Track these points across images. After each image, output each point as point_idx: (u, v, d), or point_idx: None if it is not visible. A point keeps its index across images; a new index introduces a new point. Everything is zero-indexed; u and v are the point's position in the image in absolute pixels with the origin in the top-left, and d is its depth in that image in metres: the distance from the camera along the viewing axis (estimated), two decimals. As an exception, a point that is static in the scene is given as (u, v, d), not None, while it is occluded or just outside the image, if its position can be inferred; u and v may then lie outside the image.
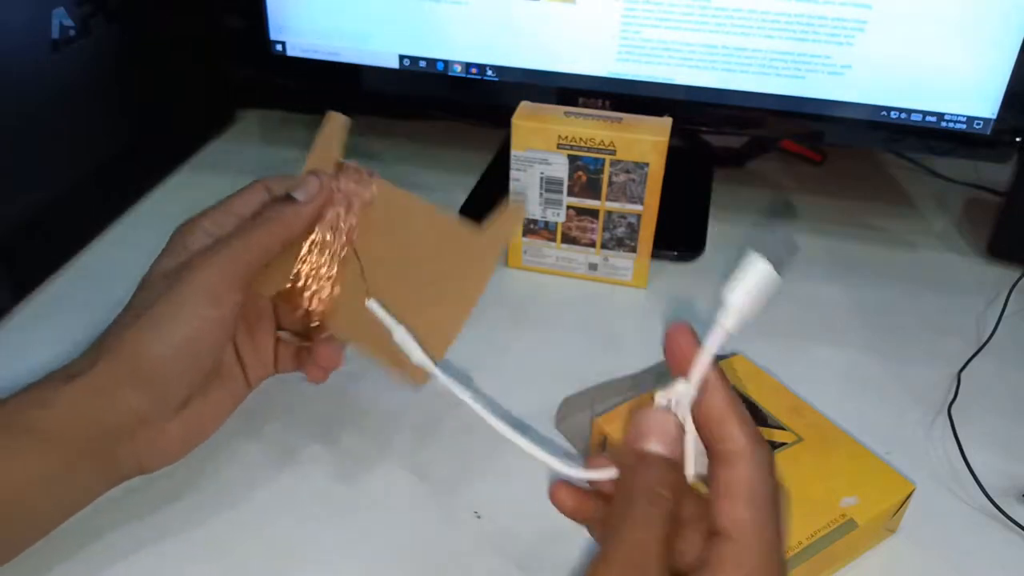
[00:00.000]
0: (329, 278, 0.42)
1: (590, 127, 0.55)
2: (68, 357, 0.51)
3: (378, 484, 0.44)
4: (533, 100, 0.58)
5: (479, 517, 0.42)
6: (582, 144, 0.55)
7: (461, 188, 0.71)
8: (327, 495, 0.44)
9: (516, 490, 0.44)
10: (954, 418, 0.49)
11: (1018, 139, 0.59)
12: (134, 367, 0.37)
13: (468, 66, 0.65)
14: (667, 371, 0.51)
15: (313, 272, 0.42)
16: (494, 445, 0.46)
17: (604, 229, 0.58)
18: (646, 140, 0.54)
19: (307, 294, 0.42)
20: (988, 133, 0.59)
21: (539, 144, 0.56)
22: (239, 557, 0.40)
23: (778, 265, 0.30)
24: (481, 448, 0.46)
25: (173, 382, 0.38)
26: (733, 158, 0.79)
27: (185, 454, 0.40)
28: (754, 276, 0.29)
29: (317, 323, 0.43)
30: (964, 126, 0.59)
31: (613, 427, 0.43)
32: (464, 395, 0.38)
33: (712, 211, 0.70)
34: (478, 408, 0.37)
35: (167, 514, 0.42)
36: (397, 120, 0.85)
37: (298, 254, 0.42)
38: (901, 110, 0.60)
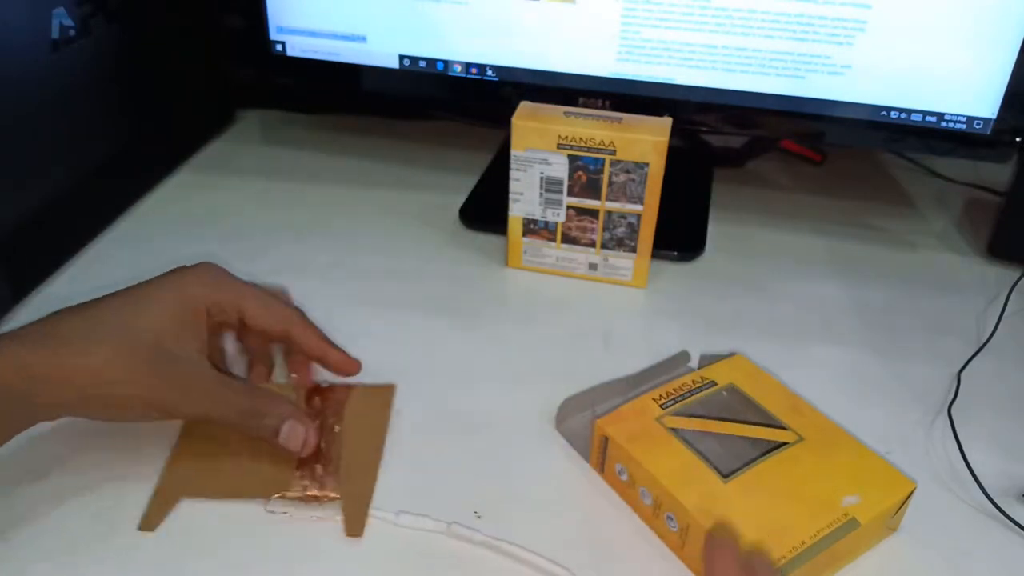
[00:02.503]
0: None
1: (590, 127, 0.55)
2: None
3: (378, 483, 0.44)
4: (533, 100, 0.58)
5: (479, 517, 0.42)
6: (582, 144, 0.55)
7: (461, 188, 0.71)
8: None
9: (516, 490, 0.44)
10: (954, 418, 0.49)
11: (1018, 139, 0.59)
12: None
13: (468, 66, 0.65)
14: (667, 372, 0.51)
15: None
16: (494, 445, 0.47)
17: (604, 229, 0.58)
18: (646, 140, 0.54)
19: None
20: (988, 133, 0.59)
21: (539, 144, 0.56)
22: (233, 558, 0.40)
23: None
24: (481, 448, 0.46)
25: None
26: (733, 158, 0.79)
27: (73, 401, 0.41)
28: None
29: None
30: (964, 126, 0.59)
31: (614, 428, 0.43)
32: None
33: (712, 211, 0.70)
34: None
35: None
36: (397, 120, 0.85)
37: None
38: (901, 110, 0.60)
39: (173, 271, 0.45)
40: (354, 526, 0.41)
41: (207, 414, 0.42)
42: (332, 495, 0.42)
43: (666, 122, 0.56)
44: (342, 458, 0.44)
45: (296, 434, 0.43)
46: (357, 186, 0.73)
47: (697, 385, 0.47)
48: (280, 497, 0.42)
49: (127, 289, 0.43)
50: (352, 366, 0.48)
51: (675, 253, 0.64)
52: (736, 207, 0.72)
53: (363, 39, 0.66)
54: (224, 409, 0.43)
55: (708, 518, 0.39)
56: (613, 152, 0.55)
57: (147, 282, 0.44)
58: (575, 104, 0.62)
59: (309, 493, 0.43)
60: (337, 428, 0.46)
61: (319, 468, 0.44)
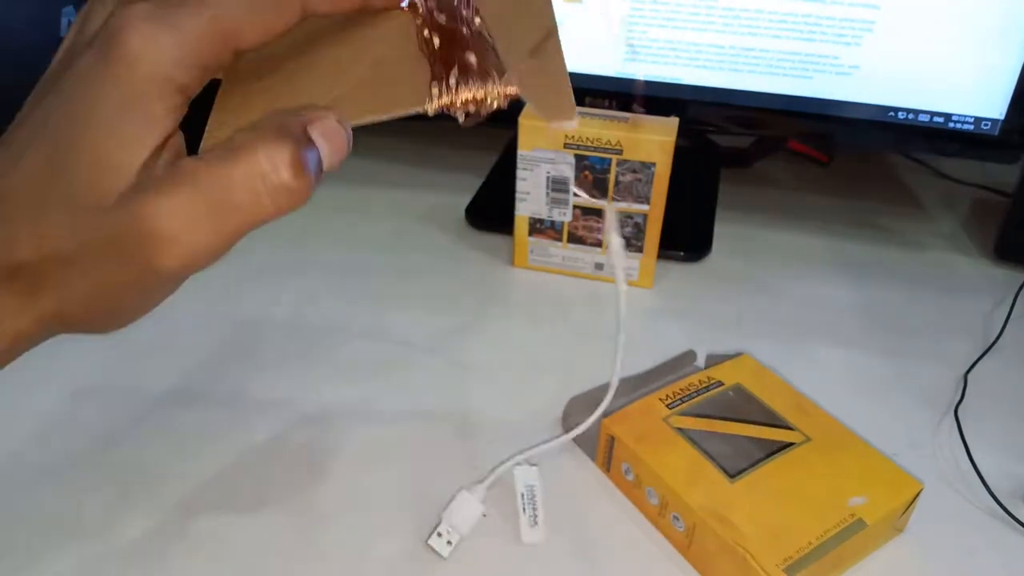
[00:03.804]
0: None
1: (597, 127, 0.55)
2: (68, 356, 0.51)
3: (377, 482, 0.44)
4: (540, 100, 0.58)
5: (484, 516, 0.42)
6: (589, 144, 0.55)
7: (467, 188, 0.71)
8: (324, 492, 0.44)
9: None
10: (961, 419, 0.49)
11: (1026, 140, 0.59)
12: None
13: (475, 66, 0.65)
14: (673, 372, 0.51)
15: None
16: (497, 442, 0.47)
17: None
18: (653, 140, 0.54)
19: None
20: (996, 134, 0.59)
21: (545, 143, 0.56)
22: (241, 563, 0.40)
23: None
24: (485, 448, 0.47)
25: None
26: (740, 158, 0.79)
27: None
28: None
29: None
30: (972, 127, 0.59)
31: (620, 428, 0.43)
32: None
33: (719, 211, 0.70)
34: None
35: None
36: (397, 120, 0.85)
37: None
38: (908, 111, 0.60)
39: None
40: (564, 108, 0.30)
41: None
42: (509, 91, 0.30)
43: (673, 122, 0.56)
44: (498, 39, 0.31)
45: (330, 125, 0.29)
46: (362, 185, 0.73)
47: (703, 385, 0.47)
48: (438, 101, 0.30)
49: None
50: None
51: (682, 253, 0.64)
52: (743, 207, 0.72)
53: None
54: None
55: (714, 518, 0.39)
56: (620, 152, 0.55)
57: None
58: (582, 104, 0.62)
59: (475, 96, 0.31)
60: (478, 21, 0.31)
61: (471, 58, 0.30)
